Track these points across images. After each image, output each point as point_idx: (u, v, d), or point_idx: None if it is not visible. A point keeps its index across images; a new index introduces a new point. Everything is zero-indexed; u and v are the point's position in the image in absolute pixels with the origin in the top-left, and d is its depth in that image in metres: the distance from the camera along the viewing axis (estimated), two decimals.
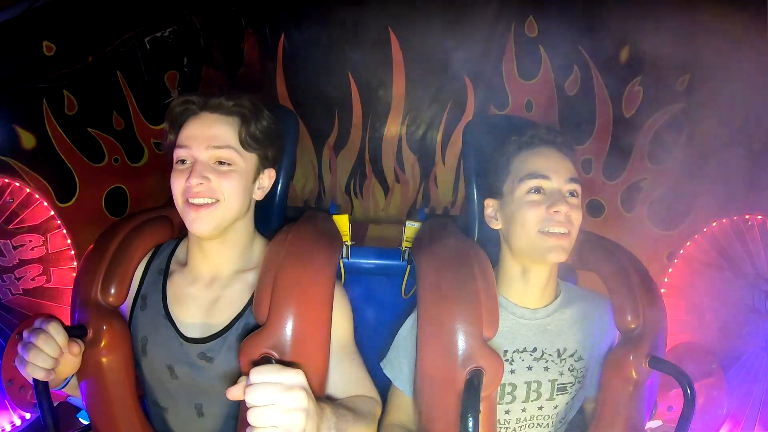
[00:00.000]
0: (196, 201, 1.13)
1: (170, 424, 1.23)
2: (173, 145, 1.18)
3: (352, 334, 1.24)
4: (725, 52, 1.74)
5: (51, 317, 1.05)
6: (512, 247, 1.28)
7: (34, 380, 1.03)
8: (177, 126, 1.19)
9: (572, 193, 1.24)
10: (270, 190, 1.29)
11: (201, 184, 1.12)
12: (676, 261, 2.10)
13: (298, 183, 2.78)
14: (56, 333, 1.02)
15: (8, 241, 1.74)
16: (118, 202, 2.07)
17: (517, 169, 1.27)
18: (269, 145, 1.23)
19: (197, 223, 1.13)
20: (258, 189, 1.24)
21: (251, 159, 1.20)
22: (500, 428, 1.27)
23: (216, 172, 1.14)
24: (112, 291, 1.18)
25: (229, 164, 1.16)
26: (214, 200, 1.13)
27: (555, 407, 1.29)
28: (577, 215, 1.22)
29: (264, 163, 1.24)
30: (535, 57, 2.48)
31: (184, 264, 1.27)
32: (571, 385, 1.29)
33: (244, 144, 1.18)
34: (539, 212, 1.21)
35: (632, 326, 1.23)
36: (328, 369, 1.12)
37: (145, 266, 1.27)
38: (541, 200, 1.22)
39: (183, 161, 1.16)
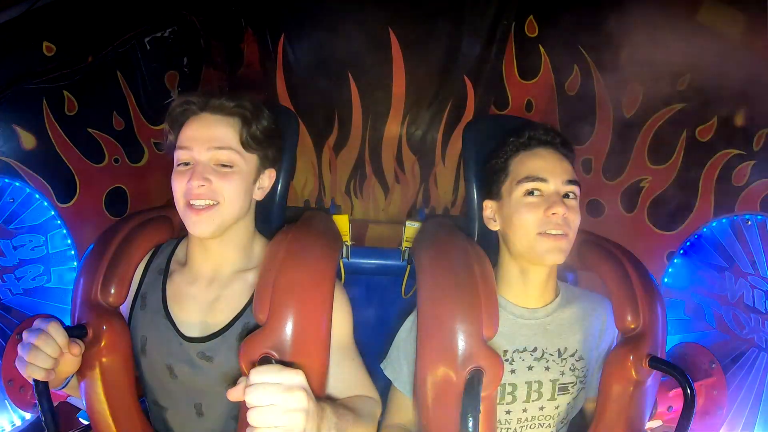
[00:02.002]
0: (197, 203, 1.13)
1: (170, 424, 1.23)
2: (174, 146, 1.19)
3: (352, 334, 1.24)
4: (725, 51, 1.73)
5: (51, 317, 1.05)
6: (510, 248, 1.28)
7: (34, 380, 1.03)
8: (177, 126, 1.19)
9: (570, 195, 1.23)
10: (270, 190, 1.29)
11: (202, 185, 1.12)
12: (676, 261, 2.10)
13: (298, 183, 2.78)
14: (56, 333, 1.02)
15: (8, 241, 1.74)
16: (118, 203, 2.08)
17: (515, 171, 1.26)
18: (270, 145, 1.23)
19: (198, 225, 1.13)
20: (258, 189, 1.24)
21: (252, 159, 1.20)
22: (501, 428, 1.27)
23: (217, 173, 1.14)
24: (112, 291, 1.18)
25: (230, 166, 1.16)
26: (214, 202, 1.14)
27: (556, 407, 1.29)
28: (575, 217, 1.22)
29: (264, 164, 1.24)
30: (535, 57, 2.48)
31: (184, 263, 1.27)
32: (572, 384, 1.29)
33: (245, 145, 1.18)
34: (537, 215, 1.20)
35: (632, 326, 1.23)
36: (328, 369, 1.12)
37: (145, 266, 1.27)
38: (539, 203, 1.21)
39: (184, 163, 1.16)
